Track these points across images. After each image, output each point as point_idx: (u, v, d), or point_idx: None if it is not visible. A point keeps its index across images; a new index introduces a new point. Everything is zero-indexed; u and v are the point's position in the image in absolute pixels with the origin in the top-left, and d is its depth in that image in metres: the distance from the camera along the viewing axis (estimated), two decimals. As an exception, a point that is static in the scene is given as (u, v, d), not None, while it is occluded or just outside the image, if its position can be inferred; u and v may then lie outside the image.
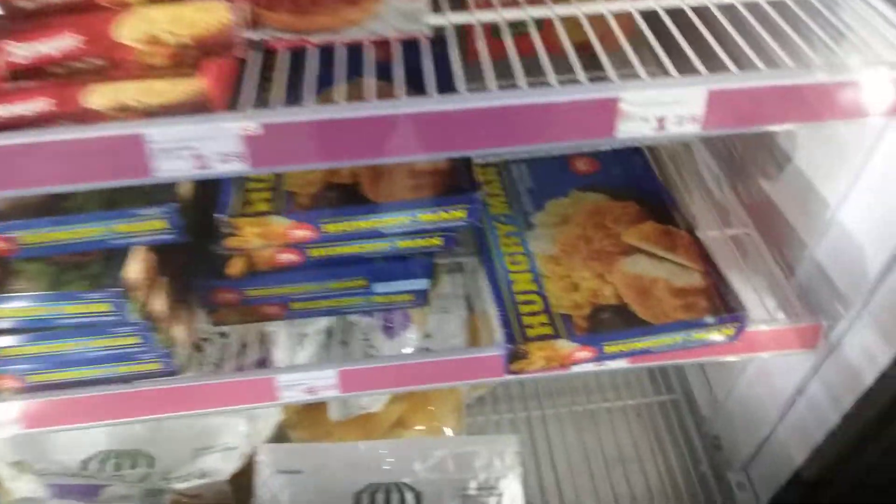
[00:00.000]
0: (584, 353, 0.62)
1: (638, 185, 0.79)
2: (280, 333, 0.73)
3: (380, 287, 0.67)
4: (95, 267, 0.57)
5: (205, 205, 0.61)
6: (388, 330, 0.78)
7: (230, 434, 0.84)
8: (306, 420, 0.93)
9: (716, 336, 0.64)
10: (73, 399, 0.62)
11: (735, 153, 0.84)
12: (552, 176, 0.81)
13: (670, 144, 0.89)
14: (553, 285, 0.67)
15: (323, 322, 0.77)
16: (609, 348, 0.63)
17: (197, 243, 0.61)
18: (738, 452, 0.91)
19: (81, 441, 0.78)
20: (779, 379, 0.77)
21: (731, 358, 0.69)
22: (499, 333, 0.63)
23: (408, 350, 0.76)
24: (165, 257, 0.62)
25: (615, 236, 0.73)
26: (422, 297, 0.70)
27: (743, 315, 0.63)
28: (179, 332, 0.65)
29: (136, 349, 0.60)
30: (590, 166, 0.82)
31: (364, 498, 0.78)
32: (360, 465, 0.79)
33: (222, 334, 0.71)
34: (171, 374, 0.63)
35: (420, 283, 0.68)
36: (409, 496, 0.78)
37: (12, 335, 0.58)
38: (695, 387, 1.08)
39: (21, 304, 0.57)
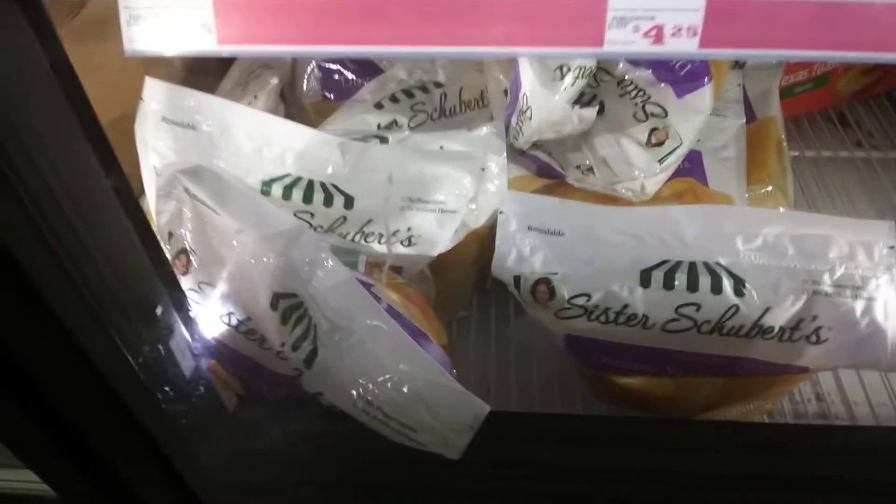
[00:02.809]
0: None
1: None
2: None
3: None
4: None
5: None
6: None
7: (450, 190, 0.61)
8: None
9: None
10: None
11: None
12: None
13: None
14: None
15: None
16: None
17: None
18: None
19: (264, 156, 0.58)
20: None
21: None
22: None
23: None
24: None
25: None
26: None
27: None
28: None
29: None
30: None
31: (657, 277, 0.52)
32: (648, 234, 0.54)
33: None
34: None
35: None
36: (727, 282, 0.52)
37: None
38: None
39: None
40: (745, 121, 0.77)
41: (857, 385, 0.71)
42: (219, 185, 0.49)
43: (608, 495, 0.51)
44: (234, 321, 0.49)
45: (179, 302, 0.44)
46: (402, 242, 0.60)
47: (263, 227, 0.49)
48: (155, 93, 0.57)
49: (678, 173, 0.69)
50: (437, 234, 0.61)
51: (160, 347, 0.40)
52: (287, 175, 0.58)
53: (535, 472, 0.49)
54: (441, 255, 0.63)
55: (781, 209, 0.75)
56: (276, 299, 0.48)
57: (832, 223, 0.53)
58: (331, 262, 0.49)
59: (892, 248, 0.52)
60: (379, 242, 0.60)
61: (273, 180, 0.58)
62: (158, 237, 0.49)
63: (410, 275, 0.64)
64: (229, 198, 0.49)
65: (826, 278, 0.51)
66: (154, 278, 0.42)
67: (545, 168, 0.69)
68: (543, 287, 0.54)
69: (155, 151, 0.57)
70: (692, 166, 0.71)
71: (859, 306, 0.50)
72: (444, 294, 0.69)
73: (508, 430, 0.49)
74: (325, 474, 0.54)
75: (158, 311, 0.41)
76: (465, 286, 0.73)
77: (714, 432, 0.52)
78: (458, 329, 0.75)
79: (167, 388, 0.40)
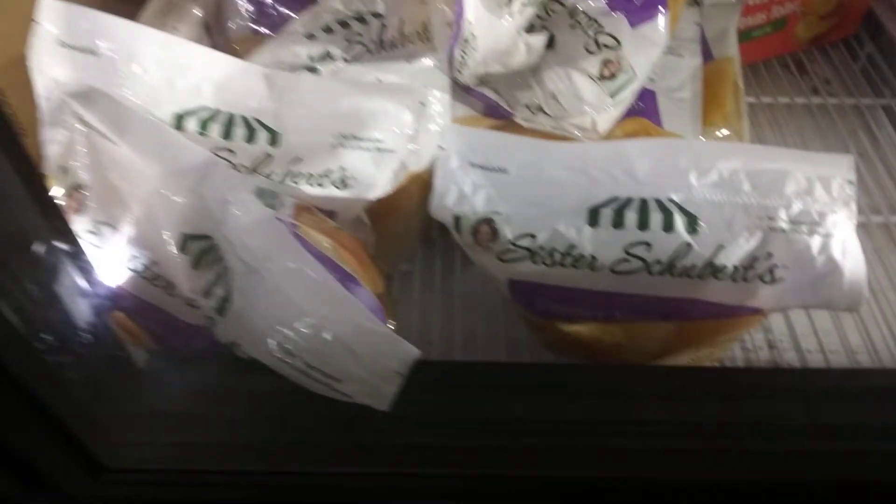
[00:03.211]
0: None
1: None
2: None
3: None
4: None
5: None
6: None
7: (388, 127, 0.56)
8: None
9: None
10: None
11: None
12: None
13: None
14: None
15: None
16: None
17: None
18: None
19: (177, 86, 0.52)
20: None
21: None
22: None
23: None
24: None
25: None
26: None
27: None
28: None
29: None
30: None
31: (605, 215, 0.49)
32: (598, 170, 0.50)
33: None
34: None
35: None
36: (679, 219, 0.49)
37: None
38: None
39: None
40: (701, 61, 0.74)
41: (810, 331, 0.69)
42: (116, 111, 0.43)
43: (555, 445, 0.48)
44: (137, 266, 0.44)
45: (70, 243, 0.39)
46: (334, 184, 0.55)
47: (170, 161, 0.44)
48: (50, 13, 0.50)
49: (631, 113, 0.65)
50: (374, 175, 0.56)
51: (41, 291, 0.35)
52: (204, 108, 0.52)
53: (480, 424, 0.46)
54: (381, 201, 0.58)
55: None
56: (185, 241, 0.43)
57: (790, 157, 0.51)
58: (247, 200, 0.44)
59: (850, 182, 0.50)
60: (308, 183, 0.55)
61: (187, 113, 0.52)
62: (48, 172, 0.43)
63: (345, 220, 0.59)
64: (129, 126, 0.44)
65: (782, 214, 0.48)
66: (36, 215, 0.37)
67: (492, 107, 0.65)
68: (486, 228, 0.50)
69: (52, 80, 0.50)
70: (646, 107, 0.67)
71: (816, 243, 0.48)
72: (385, 243, 0.64)
73: (450, 381, 0.46)
74: (252, 434, 0.49)
75: (41, 250, 0.36)
76: (407, 236, 0.69)
77: (665, 378, 0.50)
78: (401, 283, 0.71)
79: (52, 338, 0.35)
